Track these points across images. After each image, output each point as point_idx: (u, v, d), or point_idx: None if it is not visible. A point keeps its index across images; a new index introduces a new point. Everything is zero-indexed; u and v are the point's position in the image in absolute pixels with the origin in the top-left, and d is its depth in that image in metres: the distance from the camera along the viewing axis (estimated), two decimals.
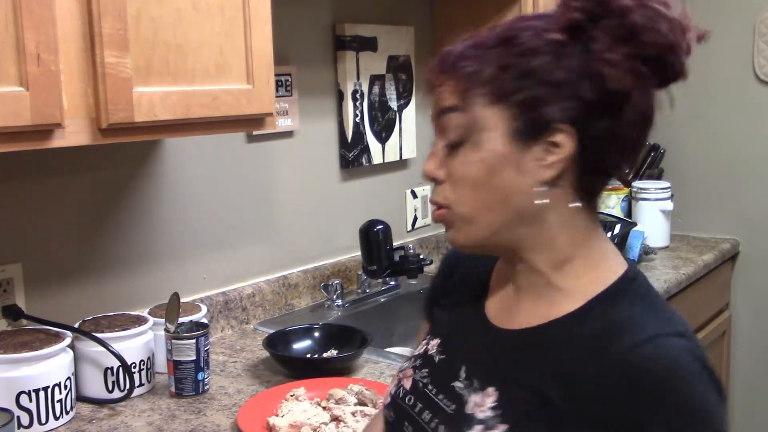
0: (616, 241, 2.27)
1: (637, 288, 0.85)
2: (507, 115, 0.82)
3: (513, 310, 0.90)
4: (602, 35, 0.80)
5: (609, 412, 0.77)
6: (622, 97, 0.81)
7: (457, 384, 0.90)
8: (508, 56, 0.82)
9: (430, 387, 0.93)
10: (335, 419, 1.36)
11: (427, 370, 0.96)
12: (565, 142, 0.82)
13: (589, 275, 0.85)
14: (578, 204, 0.85)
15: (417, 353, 1.00)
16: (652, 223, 2.62)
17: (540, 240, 0.86)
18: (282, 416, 1.35)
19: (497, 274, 0.96)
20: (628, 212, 2.70)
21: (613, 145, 0.83)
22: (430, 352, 0.98)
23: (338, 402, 1.41)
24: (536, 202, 0.83)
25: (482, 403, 0.85)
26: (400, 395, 0.97)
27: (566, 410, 0.79)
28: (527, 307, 0.88)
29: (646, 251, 2.50)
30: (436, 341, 0.99)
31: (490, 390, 0.86)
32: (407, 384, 0.97)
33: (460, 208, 0.86)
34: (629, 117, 0.82)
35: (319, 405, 1.41)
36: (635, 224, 2.43)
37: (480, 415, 0.85)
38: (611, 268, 0.86)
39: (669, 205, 2.66)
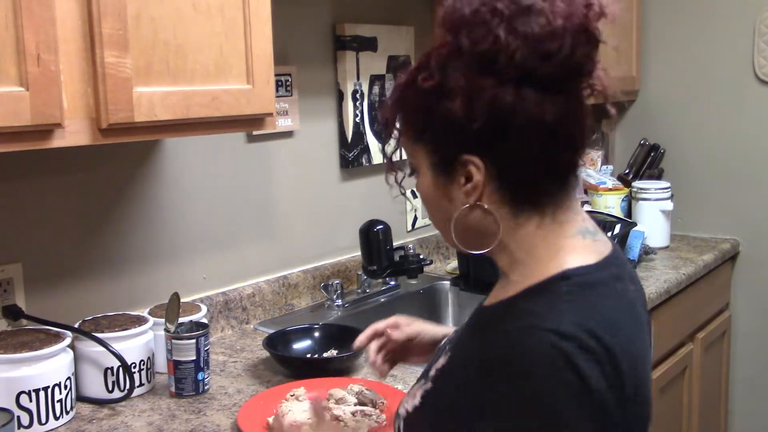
0: (616, 241, 2.27)
1: (560, 287, 0.84)
2: (427, 152, 0.91)
3: (492, 291, 0.97)
4: (460, 72, 0.84)
5: (469, 385, 0.83)
6: (499, 123, 0.83)
7: (446, 346, 1.01)
8: (414, 97, 0.89)
9: (446, 348, 1.05)
10: (335, 419, 1.36)
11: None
12: (475, 171, 0.86)
13: (529, 271, 0.87)
14: (524, 216, 0.88)
15: None
16: (652, 223, 2.62)
17: (497, 246, 0.90)
18: (282, 416, 1.35)
19: None
20: (628, 212, 2.70)
21: (521, 161, 0.85)
22: None
23: (338, 402, 1.41)
24: (476, 221, 0.89)
25: (437, 364, 0.95)
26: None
27: (460, 382, 0.87)
28: (494, 292, 0.94)
29: (646, 251, 2.50)
30: None
31: (448, 355, 0.95)
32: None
33: (431, 220, 0.98)
34: (520, 134, 0.83)
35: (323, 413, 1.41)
36: (635, 224, 2.43)
37: (431, 373, 0.96)
38: (556, 265, 0.86)
39: (669, 205, 2.66)
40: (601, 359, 0.79)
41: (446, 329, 1.25)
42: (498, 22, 0.81)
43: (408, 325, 1.26)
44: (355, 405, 1.40)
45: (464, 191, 0.88)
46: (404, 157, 1.01)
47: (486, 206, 0.88)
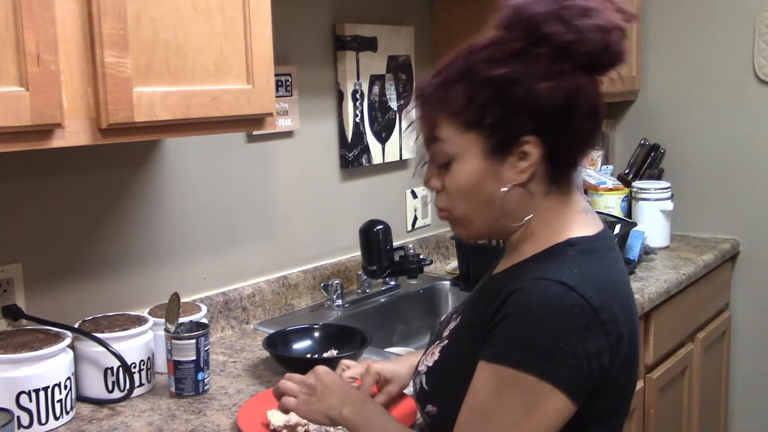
0: (616, 241, 2.27)
1: (567, 251, 1.01)
2: (480, 137, 1.00)
3: (501, 262, 1.12)
4: (539, 60, 0.97)
5: (485, 330, 0.99)
6: (570, 104, 0.97)
7: (454, 315, 1.17)
8: (471, 88, 0.99)
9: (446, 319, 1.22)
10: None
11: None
12: (532, 150, 0.99)
13: (542, 241, 1.03)
14: (552, 190, 1.03)
15: None
16: (652, 223, 2.62)
17: (520, 222, 1.04)
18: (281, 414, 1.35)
19: None
20: (628, 212, 2.70)
21: (573, 141, 1.01)
22: None
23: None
24: (515, 201, 1.02)
25: (450, 327, 1.13)
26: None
27: (476, 334, 1.01)
28: (504, 261, 1.10)
29: (646, 251, 2.50)
30: None
31: (459, 318, 1.13)
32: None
33: (456, 213, 1.06)
34: (580, 115, 0.98)
35: None
36: (635, 224, 2.43)
37: (444, 334, 1.12)
38: (564, 234, 1.02)
39: (669, 205, 2.66)
40: (598, 306, 0.94)
41: (404, 365, 1.35)
42: (578, 18, 0.96)
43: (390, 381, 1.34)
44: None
45: (518, 170, 1.00)
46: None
47: (529, 185, 1.01)
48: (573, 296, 0.93)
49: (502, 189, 1.00)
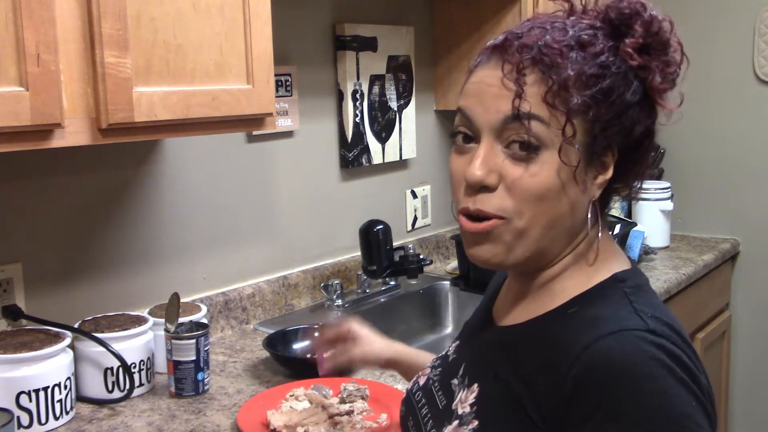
0: (616, 241, 2.27)
1: (621, 288, 0.82)
2: (583, 129, 0.79)
3: (510, 310, 0.90)
4: (657, 68, 0.82)
5: (568, 407, 0.74)
6: (652, 130, 0.85)
7: (454, 381, 0.91)
8: (591, 65, 0.79)
9: (436, 385, 0.96)
10: (332, 417, 1.37)
11: (440, 369, 0.98)
12: (610, 164, 0.83)
13: (580, 277, 0.84)
14: (598, 219, 0.85)
15: (441, 354, 1.05)
16: (652, 223, 2.62)
17: (565, 252, 0.85)
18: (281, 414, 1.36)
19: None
20: (628, 212, 2.70)
21: (638, 168, 0.86)
22: (448, 353, 1.01)
23: (341, 402, 1.41)
24: (580, 219, 0.83)
25: (465, 399, 0.86)
26: (413, 391, 1.00)
27: (530, 409, 0.78)
28: (522, 306, 0.88)
29: (646, 251, 2.50)
30: (456, 343, 1.02)
31: (475, 386, 0.86)
32: (422, 381, 1.00)
33: (519, 222, 0.80)
34: (652, 142, 0.86)
35: (319, 405, 1.41)
36: (635, 224, 2.43)
37: (460, 411, 0.85)
38: (606, 269, 0.85)
39: (669, 205, 2.66)
40: (686, 350, 0.77)
41: (390, 351, 1.24)
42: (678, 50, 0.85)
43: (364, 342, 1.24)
44: (352, 405, 1.40)
45: (598, 183, 0.83)
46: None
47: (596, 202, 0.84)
48: (666, 345, 0.75)
49: (585, 201, 0.82)
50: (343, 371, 1.28)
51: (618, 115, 0.80)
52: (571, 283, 0.84)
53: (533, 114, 0.78)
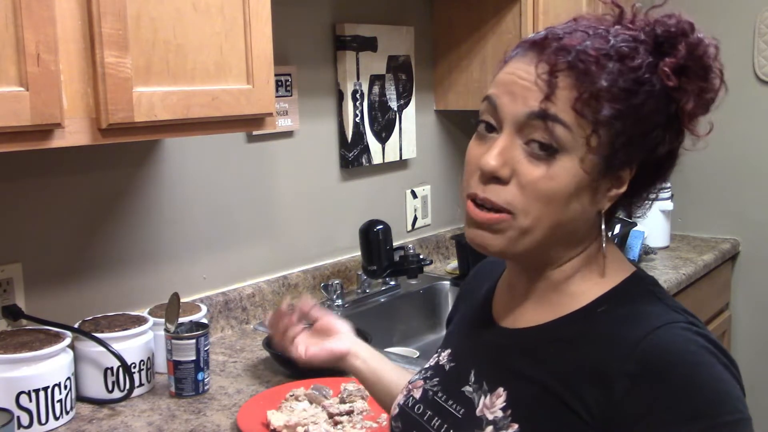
0: (616, 241, 2.27)
1: (644, 287, 0.85)
2: (606, 141, 0.79)
3: (518, 312, 0.89)
4: (693, 92, 0.80)
5: (621, 403, 0.75)
6: (678, 147, 0.84)
7: (467, 388, 0.90)
8: (626, 78, 0.78)
9: (440, 395, 0.94)
10: (332, 417, 1.37)
11: (437, 379, 0.96)
12: (626, 180, 0.83)
13: (595, 279, 0.85)
14: (605, 227, 0.86)
15: (427, 365, 1.01)
16: (652, 223, 2.62)
17: (569, 256, 0.86)
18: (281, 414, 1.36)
19: (503, 277, 0.96)
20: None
21: (652, 183, 0.87)
22: (441, 362, 0.98)
23: (341, 402, 1.41)
24: (586, 226, 0.84)
25: (492, 405, 0.85)
26: (410, 405, 0.97)
27: (576, 406, 0.78)
28: (534, 308, 0.88)
29: (646, 251, 2.50)
30: (447, 351, 0.99)
31: (500, 390, 0.85)
32: (417, 394, 0.97)
33: (524, 220, 0.81)
34: (674, 161, 0.86)
35: (319, 405, 1.41)
36: (635, 224, 2.43)
37: (490, 416, 0.84)
38: (617, 272, 0.86)
39: (669, 205, 2.66)
40: (717, 340, 0.80)
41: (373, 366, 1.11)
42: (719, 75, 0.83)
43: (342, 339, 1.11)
44: (351, 405, 1.40)
45: (609, 195, 0.83)
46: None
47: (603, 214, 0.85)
48: (707, 335, 0.79)
49: (593, 211, 0.83)
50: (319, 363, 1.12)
51: (644, 132, 0.80)
52: (588, 285, 0.85)
53: (559, 118, 0.78)
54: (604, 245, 0.86)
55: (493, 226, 0.81)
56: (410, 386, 0.99)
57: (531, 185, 0.79)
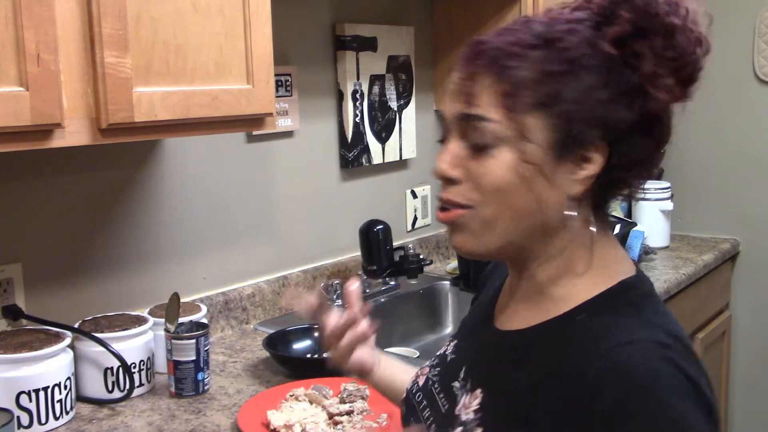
0: None
1: (630, 296, 0.81)
2: (547, 125, 0.79)
3: (510, 312, 0.89)
4: (650, 54, 0.79)
5: (578, 414, 0.74)
6: (657, 118, 0.81)
7: (456, 384, 0.90)
8: (554, 62, 0.78)
9: (436, 386, 0.94)
10: (332, 417, 1.37)
11: (439, 369, 0.97)
12: (597, 159, 0.80)
13: (584, 283, 0.83)
14: (592, 219, 0.84)
15: (439, 352, 1.02)
16: (652, 223, 2.62)
17: (548, 252, 0.84)
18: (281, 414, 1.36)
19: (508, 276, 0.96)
20: (628, 212, 2.70)
21: (638, 163, 0.82)
22: (447, 352, 0.99)
23: (341, 402, 1.41)
24: (566, 214, 0.81)
25: (469, 405, 0.85)
26: (413, 391, 0.99)
27: (539, 417, 0.77)
28: (523, 310, 0.87)
29: (646, 251, 2.50)
30: (453, 342, 1.00)
31: (478, 392, 0.85)
32: (421, 381, 0.99)
33: (484, 210, 0.81)
34: (658, 137, 0.82)
35: (319, 405, 1.41)
36: (635, 224, 2.43)
37: (464, 417, 0.84)
38: (610, 275, 0.83)
39: (669, 205, 2.66)
40: (692, 363, 0.76)
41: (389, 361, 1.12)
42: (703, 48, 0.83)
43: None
44: (351, 405, 1.40)
45: (577, 179, 0.80)
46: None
47: (579, 201, 0.81)
48: (674, 358, 0.75)
49: (557, 196, 0.80)
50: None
51: (591, 109, 0.78)
52: (575, 290, 0.83)
53: (481, 116, 0.80)
54: (595, 237, 0.83)
55: (456, 223, 0.83)
56: (419, 372, 1.01)
57: (478, 179, 0.81)
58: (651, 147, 0.83)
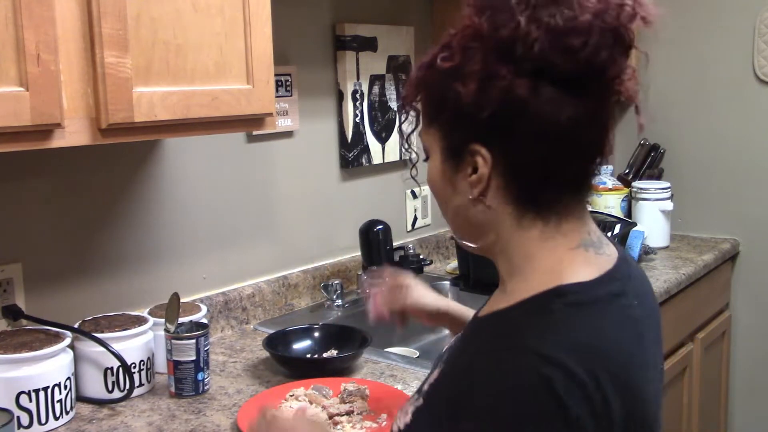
0: (616, 241, 2.27)
1: (554, 304, 0.79)
2: (439, 136, 0.87)
3: (490, 302, 0.91)
4: (477, 57, 0.80)
5: (454, 398, 0.78)
6: (514, 113, 0.79)
7: (439, 358, 0.97)
8: (430, 82, 0.86)
9: (443, 356, 1.00)
10: (332, 417, 1.37)
11: (454, 339, 1.02)
12: (481, 162, 0.82)
13: (527, 284, 0.82)
14: (526, 218, 0.84)
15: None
16: (652, 223, 2.62)
17: (494, 250, 0.88)
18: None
19: None
20: (628, 212, 2.70)
21: (531, 159, 0.81)
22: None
23: (341, 402, 1.41)
24: (478, 216, 0.86)
25: (431, 380, 0.90)
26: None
27: (451, 394, 0.81)
28: (492, 300, 0.90)
29: (646, 251, 2.50)
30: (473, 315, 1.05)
31: (439, 370, 0.90)
32: (444, 348, 1.03)
33: (439, 207, 0.93)
34: (533, 129, 0.79)
35: (319, 405, 1.41)
36: (635, 224, 2.43)
37: (424, 388, 0.90)
38: (554, 279, 0.81)
39: (669, 205, 2.66)
40: (585, 385, 0.73)
41: (440, 303, 1.27)
42: (522, 9, 0.77)
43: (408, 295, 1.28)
44: (351, 405, 1.40)
45: (469, 182, 0.84)
46: (402, 157, 1.00)
47: (488, 202, 0.84)
48: (548, 370, 0.73)
49: (463, 200, 0.86)
50: (396, 318, 1.29)
51: (452, 109, 0.83)
52: (518, 287, 0.84)
53: (420, 129, 0.91)
54: (515, 237, 0.85)
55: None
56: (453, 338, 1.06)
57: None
58: (533, 140, 0.80)
